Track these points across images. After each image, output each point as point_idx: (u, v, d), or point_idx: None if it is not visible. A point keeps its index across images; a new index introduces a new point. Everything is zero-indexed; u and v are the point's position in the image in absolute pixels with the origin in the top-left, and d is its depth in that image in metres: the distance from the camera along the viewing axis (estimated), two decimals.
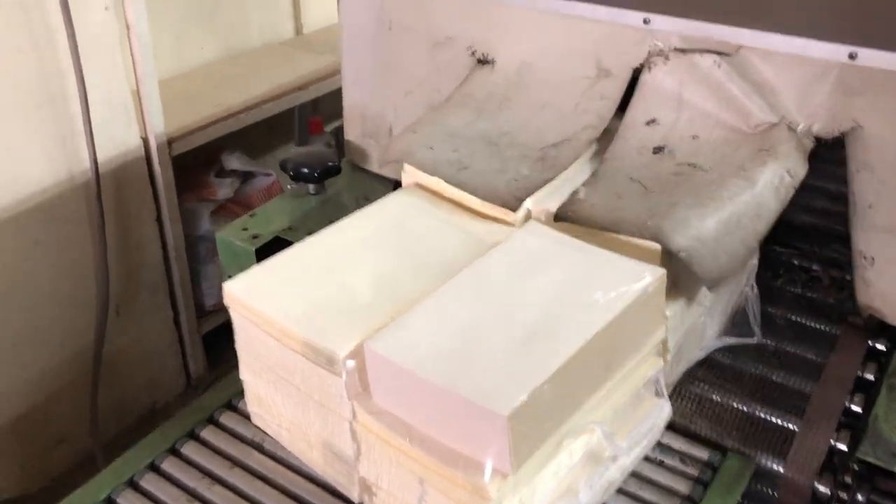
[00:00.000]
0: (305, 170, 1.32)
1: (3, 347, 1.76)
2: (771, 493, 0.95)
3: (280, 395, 0.95)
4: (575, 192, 1.00)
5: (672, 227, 0.91)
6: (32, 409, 1.85)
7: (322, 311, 0.89)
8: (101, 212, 1.82)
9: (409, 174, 1.10)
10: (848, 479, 0.93)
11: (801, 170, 1.00)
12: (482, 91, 1.18)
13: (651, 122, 1.07)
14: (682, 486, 0.92)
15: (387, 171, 1.29)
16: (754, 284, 1.11)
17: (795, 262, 1.24)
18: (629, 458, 0.90)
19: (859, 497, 0.92)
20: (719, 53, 1.03)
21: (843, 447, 0.94)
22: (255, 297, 0.92)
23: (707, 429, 0.99)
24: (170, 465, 1.01)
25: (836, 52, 0.97)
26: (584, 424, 0.82)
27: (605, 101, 1.10)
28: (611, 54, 1.11)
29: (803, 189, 1.01)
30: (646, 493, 0.92)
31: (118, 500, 0.98)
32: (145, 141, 1.92)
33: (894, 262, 1.01)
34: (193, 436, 1.05)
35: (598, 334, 0.81)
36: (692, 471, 0.94)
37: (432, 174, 1.07)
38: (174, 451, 1.03)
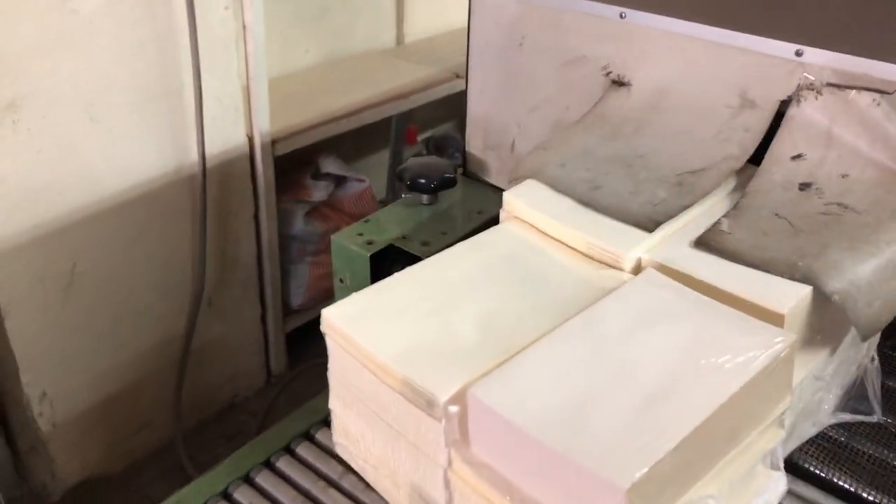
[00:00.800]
0: (422, 180, 1.32)
1: (102, 330, 1.80)
2: None
3: (370, 430, 0.91)
4: (717, 223, 0.97)
5: (825, 268, 0.87)
6: (122, 392, 1.89)
7: (424, 348, 0.84)
8: (205, 205, 1.86)
9: (508, 209, 1.06)
10: None
11: None
12: (617, 114, 1.16)
13: (797, 157, 1.03)
14: None
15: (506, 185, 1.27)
16: (875, 356, 1.03)
17: None
18: None
19: None
20: (878, 91, 0.99)
21: None
22: (353, 327, 0.88)
23: None
24: (241, 495, 1.01)
25: None
26: (699, 499, 0.76)
27: (749, 134, 1.06)
28: (757, 85, 1.07)
29: None
30: None
31: None
32: (250, 139, 1.96)
33: None
34: (269, 465, 1.05)
35: (725, 403, 0.74)
36: None
37: (563, 192, 1.04)
38: (248, 480, 1.03)
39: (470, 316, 0.88)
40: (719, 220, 0.97)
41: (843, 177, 1.00)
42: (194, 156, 1.84)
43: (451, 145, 2.60)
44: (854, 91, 1.01)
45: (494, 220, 1.09)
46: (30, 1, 1.51)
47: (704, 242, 0.94)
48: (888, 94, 0.99)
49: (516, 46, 1.28)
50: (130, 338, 1.87)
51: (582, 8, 1.20)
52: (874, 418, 1.02)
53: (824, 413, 1.01)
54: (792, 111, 1.05)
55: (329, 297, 1.24)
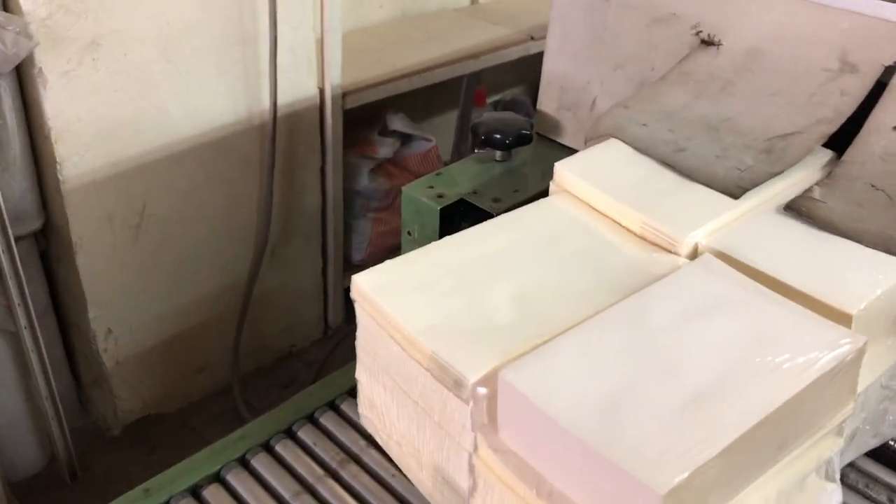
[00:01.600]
0: (498, 135, 1.29)
1: (168, 271, 1.84)
2: None
3: (395, 405, 0.86)
4: (809, 191, 0.92)
5: None
6: (183, 334, 1.93)
7: (455, 324, 0.78)
8: (273, 154, 1.87)
9: (558, 182, 0.99)
10: None
11: None
12: (704, 72, 1.11)
13: None
14: None
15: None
16: None
17: None
18: None
19: None
20: None
21: None
22: (384, 295, 0.83)
23: None
24: (259, 463, 1.02)
25: None
26: None
27: (846, 98, 1.01)
28: (860, 48, 1.02)
29: None
30: None
31: (203, 493, 0.99)
32: (321, 91, 1.95)
33: None
34: (290, 433, 1.06)
35: (780, 407, 0.67)
36: None
37: (645, 152, 1.01)
38: (267, 448, 1.05)
39: (507, 293, 0.82)
40: (811, 187, 0.93)
41: None
42: (266, 104, 1.85)
43: (521, 109, 2.56)
44: None
45: None
46: None
47: (795, 208, 0.90)
48: None
49: (603, 1, 1.24)
50: (194, 282, 1.90)
51: None
52: None
53: (888, 424, 0.93)
54: None
55: (390, 254, 1.23)
